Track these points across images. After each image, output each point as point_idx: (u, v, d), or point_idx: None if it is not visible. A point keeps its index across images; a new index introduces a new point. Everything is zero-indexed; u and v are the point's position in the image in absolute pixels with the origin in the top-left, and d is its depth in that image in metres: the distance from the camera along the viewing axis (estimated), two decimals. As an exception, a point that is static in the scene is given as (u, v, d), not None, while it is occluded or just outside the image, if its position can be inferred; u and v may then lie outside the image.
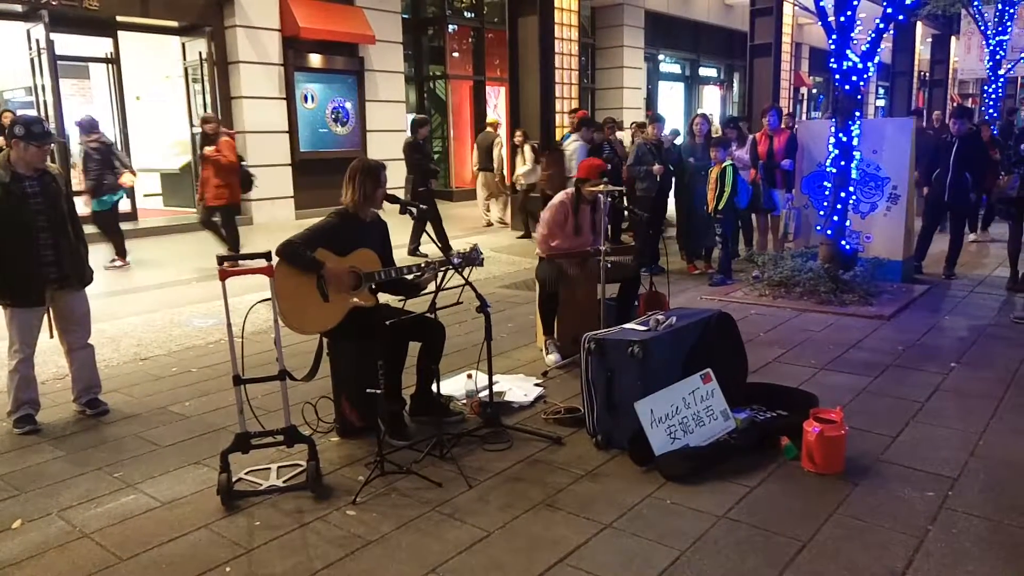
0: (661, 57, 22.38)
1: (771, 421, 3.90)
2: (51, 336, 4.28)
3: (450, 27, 16.89)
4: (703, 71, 24.26)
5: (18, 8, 10.55)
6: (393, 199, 3.97)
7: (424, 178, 9.53)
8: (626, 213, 8.83)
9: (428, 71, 16.87)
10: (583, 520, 3.10)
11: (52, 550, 2.96)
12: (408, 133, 10.10)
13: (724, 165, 7.42)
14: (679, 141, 9.52)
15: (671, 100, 22.80)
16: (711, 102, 24.68)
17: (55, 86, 10.71)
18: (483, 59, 17.10)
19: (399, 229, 8.79)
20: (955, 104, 17.93)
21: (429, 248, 9.40)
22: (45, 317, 4.21)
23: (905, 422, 4.04)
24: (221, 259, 3.44)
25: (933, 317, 6.28)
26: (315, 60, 13.30)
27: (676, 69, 23.52)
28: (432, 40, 16.87)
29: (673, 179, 8.44)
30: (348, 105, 13.99)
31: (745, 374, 4.30)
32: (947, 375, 4.80)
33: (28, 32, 10.86)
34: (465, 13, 17.25)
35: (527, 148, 10.90)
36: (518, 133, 11.27)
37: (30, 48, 10.93)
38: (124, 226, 11.60)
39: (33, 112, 10.60)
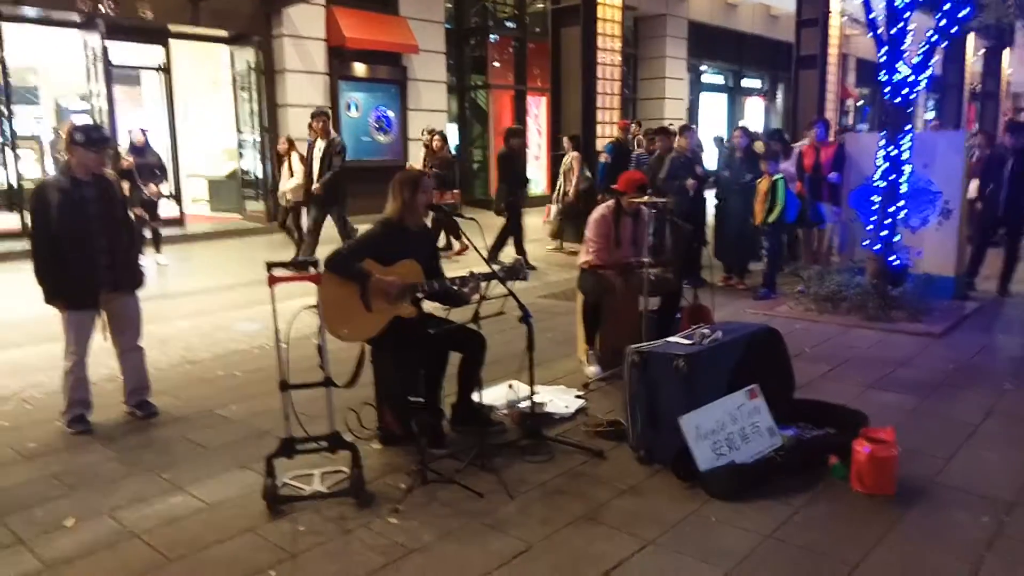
0: (704, 68, 22.24)
1: (819, 439, 3.81)
2: (104, 338, 4.38)
3: (492, 37, 17.01)
4: (746, 82, 24.04)
5: (75, 17, 10.90)
6: (436, 208, 3.98)
7: (512, 188, 9.57)
8: (668, 226, 8.77)
9: (470, 81, 16.98)
10: (625, 535, 3.06)
11: (103, 549, 3.02)
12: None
13: (775, 179, 7.32)
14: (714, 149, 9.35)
15: (714, 111, 22.63)
16: (754, 114, 24.42)
17: (109, 93, 11.04)
18: (524, 69, 17.17)
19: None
20: (1008, 118, 17.46)
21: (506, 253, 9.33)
22: (98, 319, 4.31)
23: (958, 444, 3.93)
24: (270, 265, 3.48)
25: (985, 336, 6.10)
26: (359, 69, 13.50)
27: (719, 80, 23.35)
28: (474, 50, 16.99)
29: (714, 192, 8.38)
30: (391, 114, 14.15)
31: (792, 390, 4.23)
32: (1001, 396, 4.65)
33: (84, 40, 11.22)
34: (507, 23, 17.34)
35: (294, 157, 9.44)
36: (282, 140, 10.01)
37: (86, 56, 11.27)
38: (172, 231, 11.95)
39: (88, 118, 10.92)
